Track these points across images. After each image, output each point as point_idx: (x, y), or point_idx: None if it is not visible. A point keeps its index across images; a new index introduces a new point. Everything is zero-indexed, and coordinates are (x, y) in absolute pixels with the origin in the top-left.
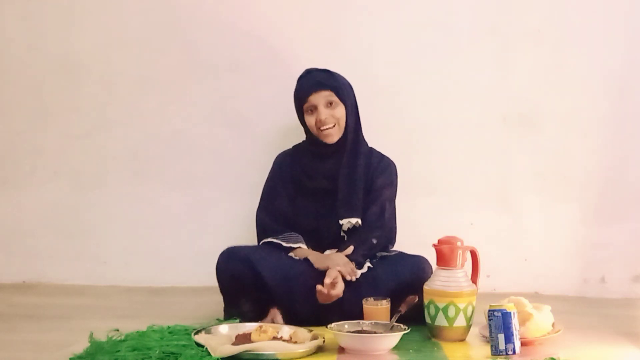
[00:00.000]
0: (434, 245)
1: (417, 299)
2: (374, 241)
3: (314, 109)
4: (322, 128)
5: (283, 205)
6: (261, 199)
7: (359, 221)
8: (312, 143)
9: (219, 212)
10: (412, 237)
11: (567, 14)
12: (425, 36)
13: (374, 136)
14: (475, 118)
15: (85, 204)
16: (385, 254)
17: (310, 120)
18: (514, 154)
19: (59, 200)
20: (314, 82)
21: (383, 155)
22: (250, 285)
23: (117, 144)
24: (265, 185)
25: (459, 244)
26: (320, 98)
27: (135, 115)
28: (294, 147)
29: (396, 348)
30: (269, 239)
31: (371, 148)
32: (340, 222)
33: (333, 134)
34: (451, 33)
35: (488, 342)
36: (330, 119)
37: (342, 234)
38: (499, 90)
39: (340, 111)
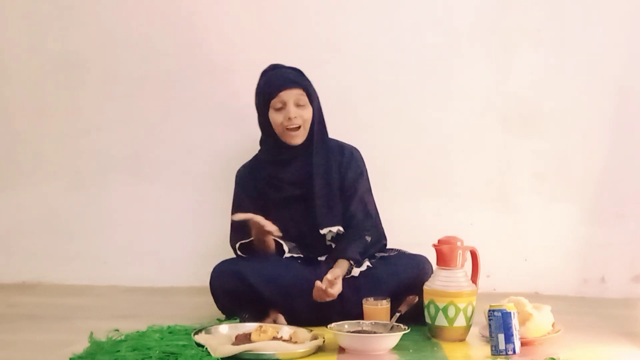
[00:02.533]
0: (434, 245)
1: (417, 299)
2: (368, 239)
3: (283, 105)
4: (289, 127)
5: None
6: (231, 222)
7: (340, 228)
8: (272, 148)
9: (219, 212)
10: (412, 237)
11: (567, 14)
12: (425, 36)
13: (374, 136)
14: (475, 118)
15: (85, 204)
16: (385, 254)
17: (276, 117)
18: (513, 154)
19: (59, 200)
20: (286, 78)
21: (343, 145)
22: (246, 298)
23: (117, 144)
24: (232, 206)
25: (459, 244)
26: (291, 96)
27: (135, 115)
28: (253, 157)
29: (396, 348)
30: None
31: (330, 139)
32: (321, 231)
33: (298, 136)
34: (451, 33)
35: (488, 342)
36: (299, 119)
37: (328, 242)
38: (499, 90)
39: (308, 113)
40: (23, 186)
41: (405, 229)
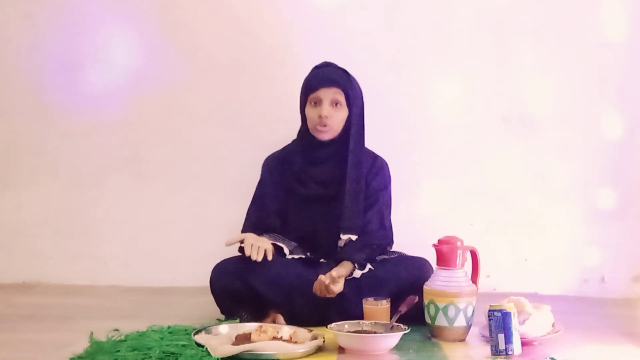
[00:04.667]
0: (434, 245)
1: (417, 299)
2: (375, 246)
3: (318, 102)
4: (319, 125)
5: (274, 208)
6: (250, 205)
7: (357, 237)
8: (305, 142)
9: (219, 212)
10: (412, 237)
11: (567, 14)
12: (425, 36)
13: (374, 136)
14: (475, 118)
15: (85, 204)
16: (385, 257)
17: (311, 112)
18: (513, 154)
19: (59, 200)
20: (327, 77)
21: (376, 155)
22: (245, 298)
23: (117, 144)
24: (255, 192)
25: (459, 244)
26: (328, 94)
27: (135, 115)
28: (283, 149)
29: (396, 348)
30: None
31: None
32: (342, 236)
33: (327, 132)
34: (451, 33)
35: (488, 342)
36: (330, 119)
37: (339, 248)
38: (498, 90)
39: (342, 114)
40: (23, 186)
41: (405, 229)
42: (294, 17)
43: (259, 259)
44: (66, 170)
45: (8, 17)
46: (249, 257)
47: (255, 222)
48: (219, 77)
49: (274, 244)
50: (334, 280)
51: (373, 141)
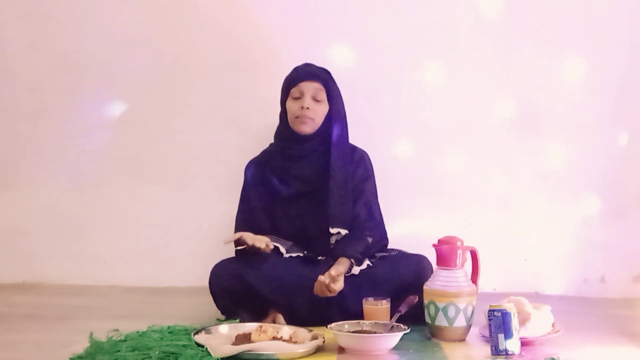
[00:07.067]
0: (434, 245)
1: (417, 299)
2: (369, 240)
3: (300, 95)
4: (301, 116)
5: (261, 211)
6: (237, 213)
7: (347, 232)
8: (285, 138)
9: (219, 212)
10: (412, 237)
11: (567, 14)
12: (425, 36)
13: (374, 136)
14: (475, 118)
15: (85, 204)
16: (384, 254)
17: (292, 105)
18: (514, 154)
19: (59, 200)
20: (309, 72)
21: (354, 147)
22: (245, 297)
23: (117, 144)
24: (240, 198)
25: (459, 244)
26: (310, 88)
27: (135, 115)
28: (262, 152)
29: (396, 348)
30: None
31: None
32: (331, 230)
33: (308, 125)
34: (451, 33)
35: (488, 342)
36: (312, 111)
37: (332, 244)
38: (499, 90)
39: (323, 109)
40: (23, 186)
41: (405, 229)
42: (293, 17)
43: (263, 246)
44: (66, 170)
45: (8, 17)
46: (249, 254)
47: (245, 228)
48: (218, 77)
49: None
50: (333, 279)
51: (373, 141)
